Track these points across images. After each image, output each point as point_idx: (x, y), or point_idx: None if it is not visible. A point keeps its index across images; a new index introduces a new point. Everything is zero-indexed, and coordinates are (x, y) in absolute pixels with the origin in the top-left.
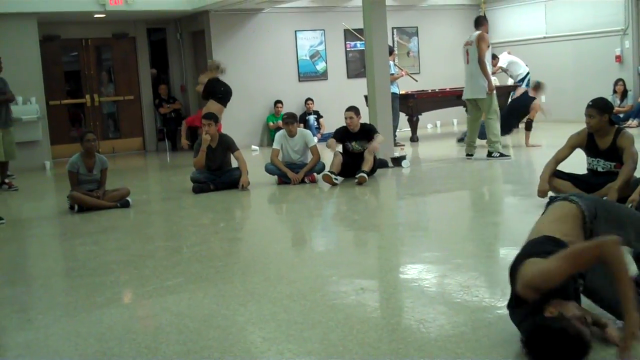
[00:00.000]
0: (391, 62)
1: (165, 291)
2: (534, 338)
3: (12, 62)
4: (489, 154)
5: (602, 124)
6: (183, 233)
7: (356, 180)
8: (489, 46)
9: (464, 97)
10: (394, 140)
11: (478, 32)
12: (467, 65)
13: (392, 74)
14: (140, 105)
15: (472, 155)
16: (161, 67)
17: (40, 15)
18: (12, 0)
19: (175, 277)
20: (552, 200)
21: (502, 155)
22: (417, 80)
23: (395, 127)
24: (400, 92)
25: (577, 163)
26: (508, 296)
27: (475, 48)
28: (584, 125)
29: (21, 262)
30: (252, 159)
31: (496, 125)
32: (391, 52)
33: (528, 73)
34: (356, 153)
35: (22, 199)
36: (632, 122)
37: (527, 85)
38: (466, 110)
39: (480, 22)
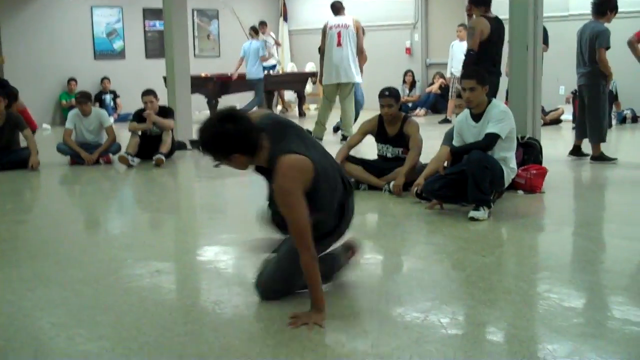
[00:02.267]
0: (268, 39)
1: None
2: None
3: None
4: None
5: (397, 112)
6: None
7: (153, 162)
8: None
9: (330, 81)
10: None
11: (354, 19)
12: (338, 49)
13: (263, 56)
14: None
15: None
16: None
17: None
18: None
19: None
20: None
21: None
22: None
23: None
24: (201, 75)
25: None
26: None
27: (353, 32)
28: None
29: None
30: (43, 138)
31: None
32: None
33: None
34: (154, 135)
35: None
36: (420, 111)
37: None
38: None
39: (342, 7)
